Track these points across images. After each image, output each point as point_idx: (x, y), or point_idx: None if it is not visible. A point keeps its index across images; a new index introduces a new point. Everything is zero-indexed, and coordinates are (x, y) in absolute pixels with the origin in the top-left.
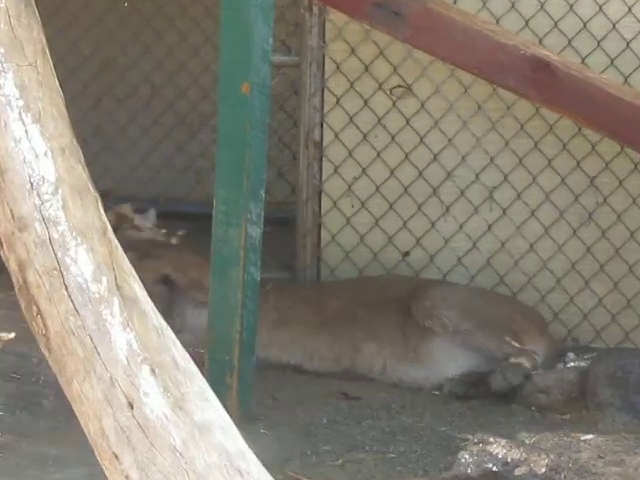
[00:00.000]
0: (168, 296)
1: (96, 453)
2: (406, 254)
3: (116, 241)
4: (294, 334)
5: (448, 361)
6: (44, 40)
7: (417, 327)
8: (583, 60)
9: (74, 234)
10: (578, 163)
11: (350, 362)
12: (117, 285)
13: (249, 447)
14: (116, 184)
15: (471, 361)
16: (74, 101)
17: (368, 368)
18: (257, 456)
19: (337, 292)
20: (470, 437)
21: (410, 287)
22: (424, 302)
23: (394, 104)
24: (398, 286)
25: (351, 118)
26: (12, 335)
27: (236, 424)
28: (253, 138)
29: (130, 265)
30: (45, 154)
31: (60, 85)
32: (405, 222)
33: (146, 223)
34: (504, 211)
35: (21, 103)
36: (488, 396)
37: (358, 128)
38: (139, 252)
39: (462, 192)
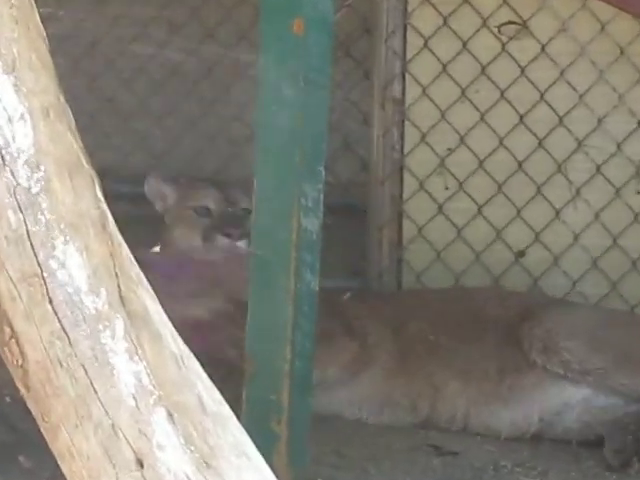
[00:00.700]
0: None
1: None
2: (521, 254)
3: (120, 237)
4: (350, 371)
5: (567, 408)
6: None
7: (521, 360)
8: None
9: (62, 227)
10: None
11: (429, 409)
12: (121, 297)
13: None
14: (119, 159)
15: (605, 412)
16: (65, 43)
17: (450, 415)
18: None
19: (418, 308)
20: None
21: (517, 305)
22: (536, 329)
23: (504, 47)
24: (500, 303)
25: (444, 66)
26: None
27: None
28: (308, 95)
29: (139, 270)
30: (21, 117)
31: (43, 23)
32: (519, 210)
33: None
34: None
35: None
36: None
37: (453, 80)
38: None
39: (598, 168)
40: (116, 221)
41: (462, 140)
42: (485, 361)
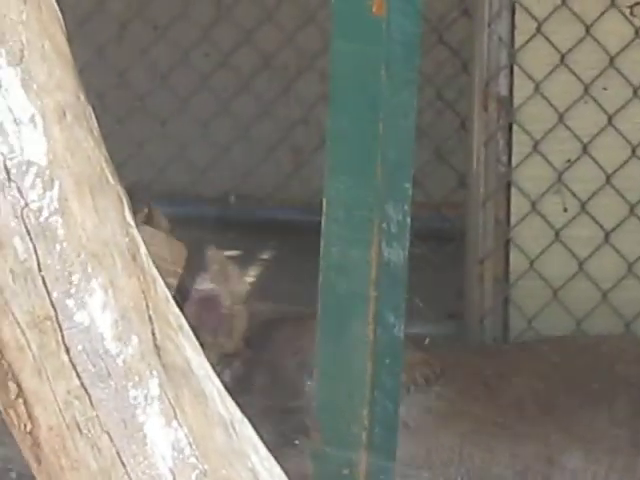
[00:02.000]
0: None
1: None
2: None
3: (154, 270)
4: (450, 441)
5: None
6: None
7: None
8: None
9: (81, 258)
10: None
11: None
12: (156, 347)
13: None
14: (153, 172)
15: None
16: (86, 27)
17: None
18: None
19: (528, 363)
20: None
21: None
22: None
23: (637, 33)
24: (633, 356)
25: (562, 57)
26: None
27: None
28: (391, 93)
29: (178, 312)
30: (31, 120)
31: (59, 3)
32: None
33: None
34: None
35: None
36: None
37: (574, 74)
38: None
39: None
40: (149, 251)
41: (585, 149)
42: (615, 429)
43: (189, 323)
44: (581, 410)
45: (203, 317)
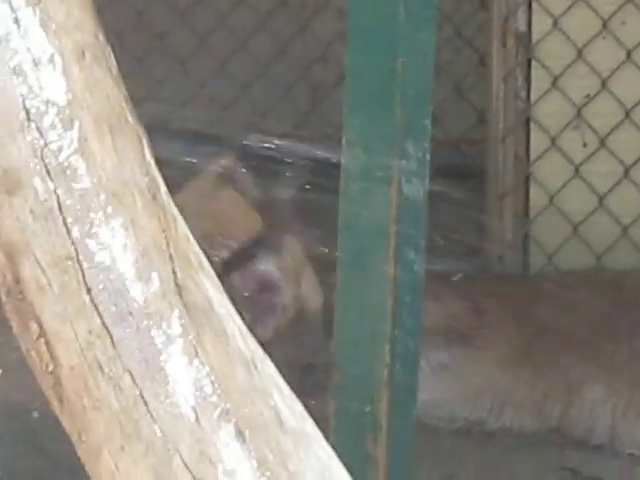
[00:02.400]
0: None
1: None
2: None
3: (175, 209)
4: (473, 368)
5: None
6: None
7: None
8: None
9: (102, 198)
10: None
11: (560, 415)
12: (177, 285)
13: None
14: (173, 111)
15: None
16: None
17: (588, 426)
18: None
19: (548, 295)
20: None
21: None
22: None
23: None
24: None
25: None
26: None
27: None
28: (410, 30)
29: (199, 251)
30: (50, 60)
31: None
32: None
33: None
34: None
35: None
36: None
37: (592, 8)
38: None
39: None
40: (169, 189)
41: (604, 85)
42: (636, 362)
43: (232, 296)
44: (602, 343)
45: (251, 297)
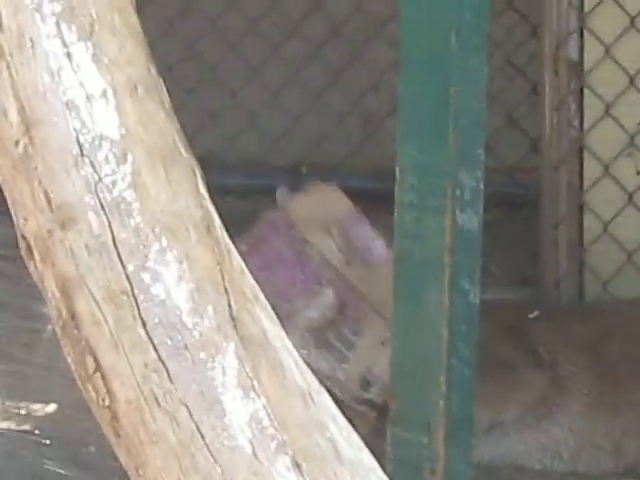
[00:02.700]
0: None
1: None
2: None
3: (229, 242)
4: (538, 407)
5: None
6: None
7: None
8: None
9: (156, 231)
10: None
11: (638, 451)
12: (232, 318)
13: None
14: (225, 143)
15: None
16: (150, 1)
17: None
18: None
19: (619, 325)
20: None
21: None
22: None
23: None
24: None
25: (632, 19)
26: (51, 408)
27: None
28: (462, 59)
29: (254, 284)
30: (103, 94)
31: None
32: None
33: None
34: None
35: (59, 8)
36: None
37: None
38: None
39: None
40: (223, 221)
41: None
42: None
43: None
44: None
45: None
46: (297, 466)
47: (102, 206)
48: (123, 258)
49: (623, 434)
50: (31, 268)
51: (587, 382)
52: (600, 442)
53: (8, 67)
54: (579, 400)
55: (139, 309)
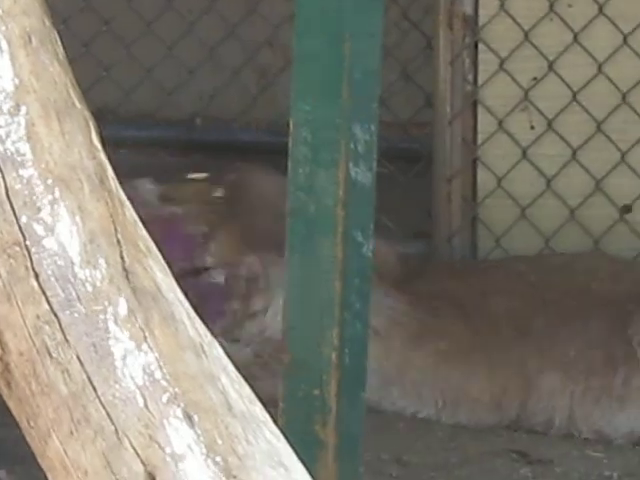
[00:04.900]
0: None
1: None
2: (626, 209)
3: (122, 194)
4: (423, 361)
5: None
6: None
7: (632, 347)
8: None
9: (49, 183)
10: None
11: (519, 408)
12: (125, 270)
13: None
14: (120, 96)
15: None
16: None
17: (547, 417)
18: None
19: (500, 281)
20: None
21: (631, 279)
22: None
23: None
24: (609, 275)
25: None
26: None
27: None
28: (356, 12)
29: (147, 236)
30: None
31: None
32: (624, 154)
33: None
34: None
35: None
36: None
37: None
38: None
39: None
40: (117, 173)
41: (551, 67)
42: (591, 349)
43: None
44: (557, 330)
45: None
46: (189, 418)
47: None
48: (16, 210)
49: (503, 389)
50: None
51: (461, 335)
52: (478, 396)
53: None
54: (456, 347)
55: (32, 261)
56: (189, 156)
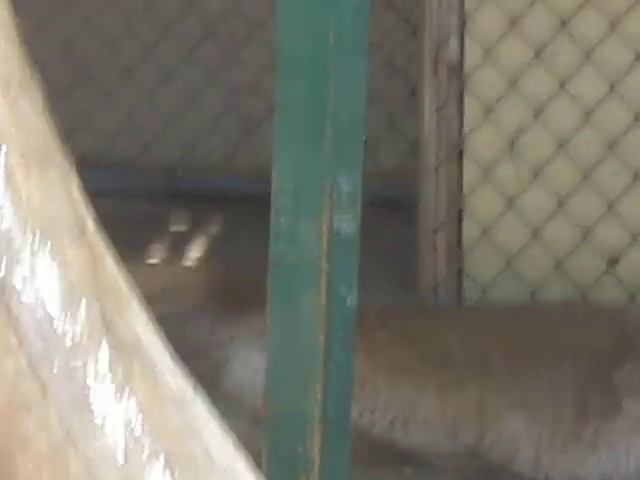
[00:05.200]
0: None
1: None
2: (613, 262)
3: (102, 245)
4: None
5: None
6: None
7: (607, 399)
8: None
9: (28, 233)
10: None
11: (477, 441)
12: (105, 321)
13: None
14: (100, 143)
15: None
16: None
17: (507, 454)
18: None
19: (476, 327)
20: None
21: (609, 327)
22: (634, 370)
23: None
24: (586, 323)
25: (513, 21)
26: None
27: None
28: (340, 60)
29: (128, 288)
30: None
31: None
32: (611, 204)
33: None
34: None
35: None
36: None
37: (524, 38)
38: None
39: None
40: (98, 224)
41: (537, 116)
42: (560, 395)
43: None
44: (524, 373)
45: None
46: (170, 474)
47: None
48: None
49: (457, 416)
50: None
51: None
52: (434, 423)
53: None
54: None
55: (10, 312)
56: (171, 205)
